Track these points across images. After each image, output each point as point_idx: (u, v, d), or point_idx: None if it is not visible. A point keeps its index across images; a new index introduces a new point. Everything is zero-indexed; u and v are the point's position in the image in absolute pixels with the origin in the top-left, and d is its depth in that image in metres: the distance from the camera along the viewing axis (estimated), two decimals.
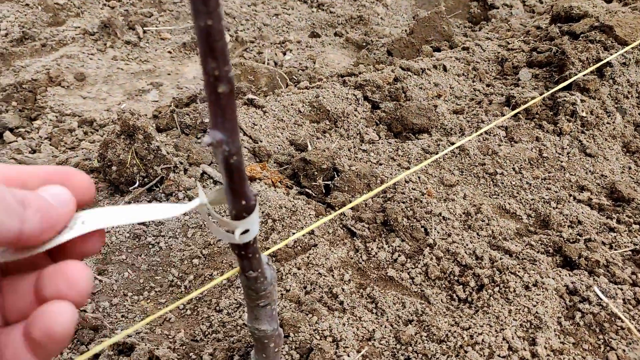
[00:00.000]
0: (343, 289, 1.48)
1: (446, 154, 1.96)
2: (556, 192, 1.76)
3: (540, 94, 2.06)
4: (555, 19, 2.47)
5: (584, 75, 2.06)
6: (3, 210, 0.43)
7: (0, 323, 0.51)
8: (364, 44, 3.57)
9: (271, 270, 0.88)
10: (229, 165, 0.55)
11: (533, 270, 1.42)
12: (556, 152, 1.92)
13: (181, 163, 1.85)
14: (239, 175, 0.57)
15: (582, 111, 1.98)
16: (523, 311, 1.33)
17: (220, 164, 0.55)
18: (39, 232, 0.47)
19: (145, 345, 1.36)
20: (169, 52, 4.03)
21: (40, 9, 4.04)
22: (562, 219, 1.63)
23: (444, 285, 1.49)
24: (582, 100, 2.01)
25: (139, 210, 0.57)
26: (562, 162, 1.89)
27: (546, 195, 1.75)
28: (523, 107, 1.40)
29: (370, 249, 1.63)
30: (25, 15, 3.90)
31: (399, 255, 1.59)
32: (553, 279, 1.40)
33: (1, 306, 0.51)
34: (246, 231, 0.66)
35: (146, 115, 2.76)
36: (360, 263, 1.60)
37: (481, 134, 1.95)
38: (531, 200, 1.75)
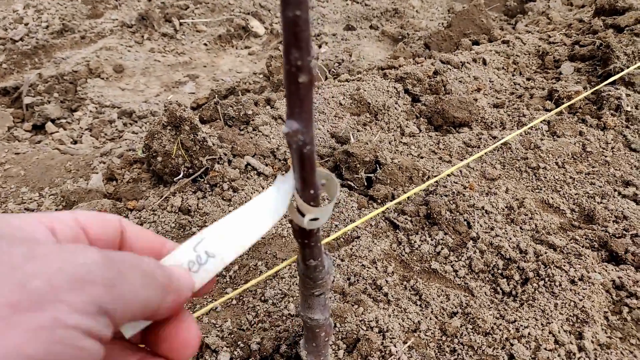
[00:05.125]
0: (387, 281, 1.50)
1: (487, 148, 1.95)
2: (600, 187, 1.75)
3: (584, 88, 2.04)
4: (598, 12, 2.43)
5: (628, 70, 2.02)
6: (153, 288, 0.44)
7: None
8: (400, 37, 3.56)
9: (329, 259, 0.90)
10: (302, 155, 0.56)
11: (579, 264, 1.42)
12: (600, 146, 1.90)
13: (225, 154, 1.89)
14: (310, 164, 0.58)
15: (627, 105, 1.95)
16: (569, 305, 1.33)
17: (294, 153, 0.56)
18: (168, 312, 0.49)
19: None
20: (205, 44, 4.08)
21: (79, 1, 4.12)
22: (607, 214, 1.62)
23: (487, 279, 1.50)
24: (627, 95, 1.98)
25: (250, 219, 0.59)
26: (606, 156, 1.87)
27: (590, 190, 1.74)
28: (573, 100, 1.38)
29: (413, 241, 1.64)
30: (65, 7, 4.00)
31: (442, 248, 1.60)
32: (599, 273, 1.40)
33: None
34: (315, 219, 0.68)
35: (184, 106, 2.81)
36: (404, 255, 1.62)
37: (524, 128, 1.93)
38: (575, 195, 1.74)
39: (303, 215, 0.67)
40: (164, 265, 0.49)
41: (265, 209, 0.62)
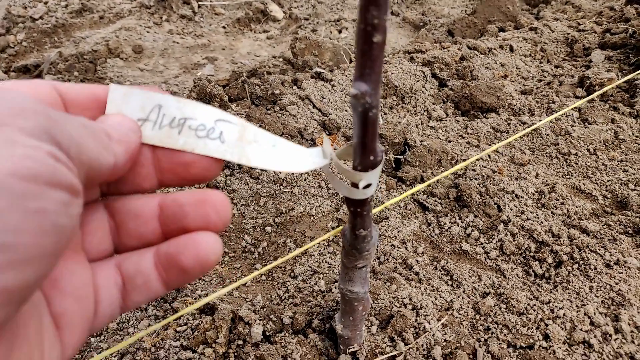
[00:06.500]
0: (417, 261, 1.50)
1: (516, 134, 1.94)
2: (634, 174, 1.73)
3: (616, 76, 2.01)
4: (631, 0, 2.40)
5: None
6: (99, 144, 0.40)
7: (110, 248, 0.50)
8: (422, 23, 3.53)
9: (375, 230, 0.89)
10: (367, 119, 0.54)
11: (614, 249, 1.41)
12: (633, 134, 1.88)
13: None
14: (373, 130, 0.56)
15: None
16: (605, 288, 1.32)
17: (357, 117, 0.54)
18: (124, 164, 0.45)
19: (226, 306, 1.41)
20: (223, 27, 4.06)
21: None
22: None
23: (519, 261, 1.49)
24: None
25: (282, 151, 0.56)
26: (639, 144, 1.85)
27: (623, 177, 1.72)
28: (606, 88, 1.37)
29: (442, 223, 1.64)
30: None
31: (473, 231, 1.59)
32: (635, 258, 1.38)
33: (114, 231, 0.50)
34: (368, 186, 0.66)
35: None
36: (433, 237, 1.61)
37: (554, 114, 1.92)
38: (607, 181, 1.73)
39: (354, 185, 0.66)
40: (96, 121, 0.45)
41: (294, 156, 0.58)
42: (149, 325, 1.37)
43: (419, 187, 1.14)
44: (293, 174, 1.84)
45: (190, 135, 0.50)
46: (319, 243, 1.64)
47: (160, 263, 0.48)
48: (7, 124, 0.32)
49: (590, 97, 1.37)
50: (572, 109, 1.92)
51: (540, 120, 1.99)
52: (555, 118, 1.94)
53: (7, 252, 0.29)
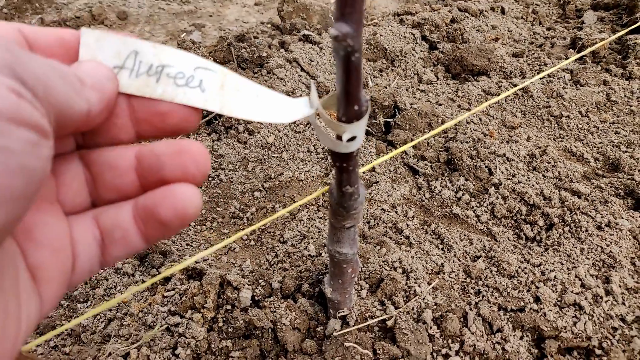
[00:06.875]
0: (407, 225, 1.48)
1: (508, 96, 1.91)
2: (626, 136, 1.72)
3: (609, 37, 1.98)
4: None
5: None
6: (70, 88, 0.37)
7: (87, 202, 0.48)
8: None
9: (363, 188, 0.86)
10: (349, 64, 0.50)
11: (605, 211, 1.40)
12: (625, 96, 1.86)
13: None
14: (357, 76, 0.52)
15: None
16: (596, 250, 1.31)
17: (340, 62, 0.50)
18: (99, 112, 0.42)
19: (214, 271, 1.39)
20: None
21: None
22: (633, 163, 1.59)
23: (510, 224, 1.48)
24: None
25: (260, 100, 0.53)
26: (631, 106, 1.83)
27: (615, 139, 1.70)
28: (594, 47, 1.33)
29: (433, 187, 1.62)
30: None
31: (464, 194, 1.57)
32: (627, 220, 1.38)
33: (90, 183, 0.47)
34: (353, 139, 0.63)
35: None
36: (424, 200, 1.59)
37: (544, 76, 1.88)
38: (599, 143, 1.71)
39: (339, 138, 0.63)
40: (71, 66, 0.42)
41: (279, 106, 0.56)
42: (137, 291, 1.35)
43: (405, 147, 1.11)
44: (281, 138, 1.81)
45: (168, 84, 0.47)
46: (308, 208, 1.62)
47: (139, 216, 0.46)
48: None
49: (577, 55, 1.34)
50: (563, 70, 1.89)
51: (532, 83, 1.96)
52: (547, 80, 1.91)
53: None
